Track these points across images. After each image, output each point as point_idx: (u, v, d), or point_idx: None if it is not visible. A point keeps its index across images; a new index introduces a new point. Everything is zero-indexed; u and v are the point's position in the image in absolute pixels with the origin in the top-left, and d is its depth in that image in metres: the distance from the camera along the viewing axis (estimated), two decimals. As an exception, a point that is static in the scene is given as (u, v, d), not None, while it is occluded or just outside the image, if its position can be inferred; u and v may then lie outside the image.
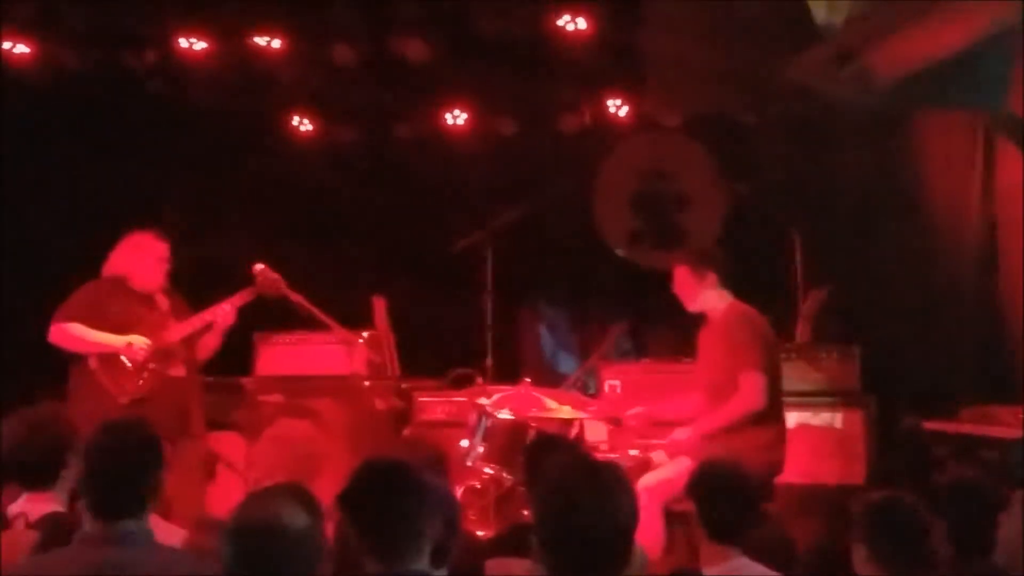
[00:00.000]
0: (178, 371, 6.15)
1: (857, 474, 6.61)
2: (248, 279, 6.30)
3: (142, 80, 8.12)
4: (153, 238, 6.18)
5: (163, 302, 6.22)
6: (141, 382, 6.00)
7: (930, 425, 6.35)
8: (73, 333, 5.98)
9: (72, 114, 8.08)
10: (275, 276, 6.29)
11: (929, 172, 7.44)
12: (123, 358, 5.99)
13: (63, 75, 7.90)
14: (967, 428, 6.18)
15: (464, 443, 6.02)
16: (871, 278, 7.60)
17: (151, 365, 6.03)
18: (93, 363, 6.00)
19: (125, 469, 3.13)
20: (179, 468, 5.85)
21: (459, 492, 5.80)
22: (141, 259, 6.15)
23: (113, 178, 8.09)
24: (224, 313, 6.18)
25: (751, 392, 5.59)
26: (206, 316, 6.18)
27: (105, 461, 3.15)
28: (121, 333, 6.01)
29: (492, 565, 3.95)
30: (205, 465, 6.49)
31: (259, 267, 6.29)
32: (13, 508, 3.82)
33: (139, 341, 6.01)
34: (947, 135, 7.25)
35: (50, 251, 7.88)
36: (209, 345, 6.29)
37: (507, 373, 7.08)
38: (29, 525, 3.73)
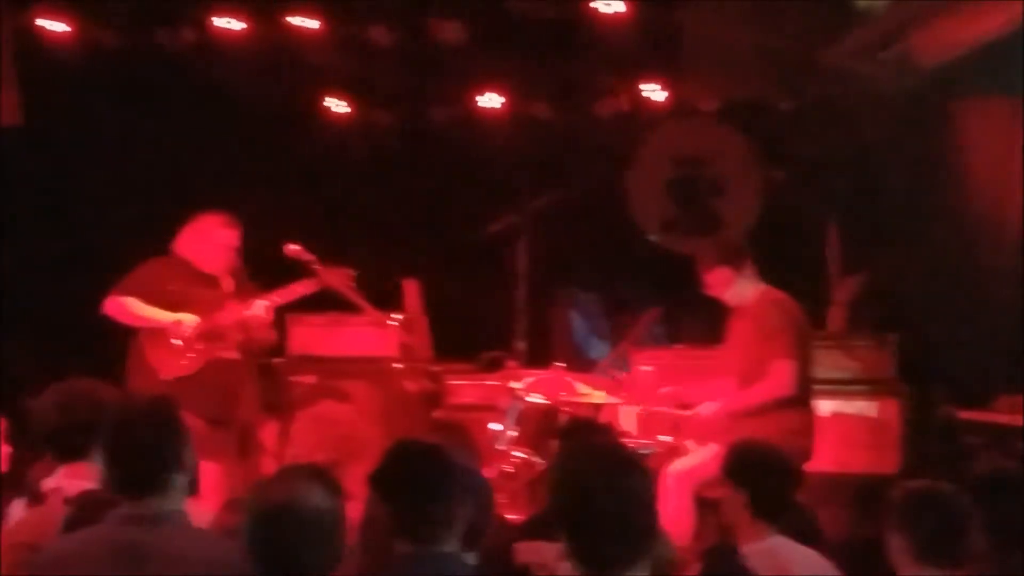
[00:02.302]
0: (230, 353, 6.12)
1: (890, 463, 6.56)
2: (282, 261, 6.30)
3: (178, 60, 8.13)
4: (221, 223, 6.17)
5: (228, 283, 6.20)
6: (186, 361, 6.00)
7: (965, 414, 6.30)
8: (125, 306, 6.01)
9: (108, 93, 8.12)
10: (341, 271, 6.22)
11: (969, 159, 7.36)
12: (171, 335, 6.00)
13: (100, 54, 7.93)
14: (1002, 418, 6.13)
15: (495, 426, 6.03)
16: (908, 266, 7.53)
17: (200, 345, 6.02)
18: (143, 338, 6.04)
19: (144, 446, 3.12)
20: (220, 450, 5.89)
21: (490, 475, 5.80)
22: (207, 242, 6.14)
23: (147, 158, 8.13)
24: (262, 308, 6.10)
25: (781, 379, 5.57)
26: (263, 301, 6.12)
27: (122, 437, 3.14)
28: (175, 310, 6.02)
29: (522, 548, 3.95)
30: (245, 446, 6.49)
31: (293, 248, 6.28)
32: (48, 483, 3.84)
33: (188, 319, 6.00)
34: (987, 121, 7.16)
35: (83, 228, 7.94)
36: (260, 337, 6.25)
37: (539, 357, 7.07)
38: (65, 500, 3.75)
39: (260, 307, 6.13)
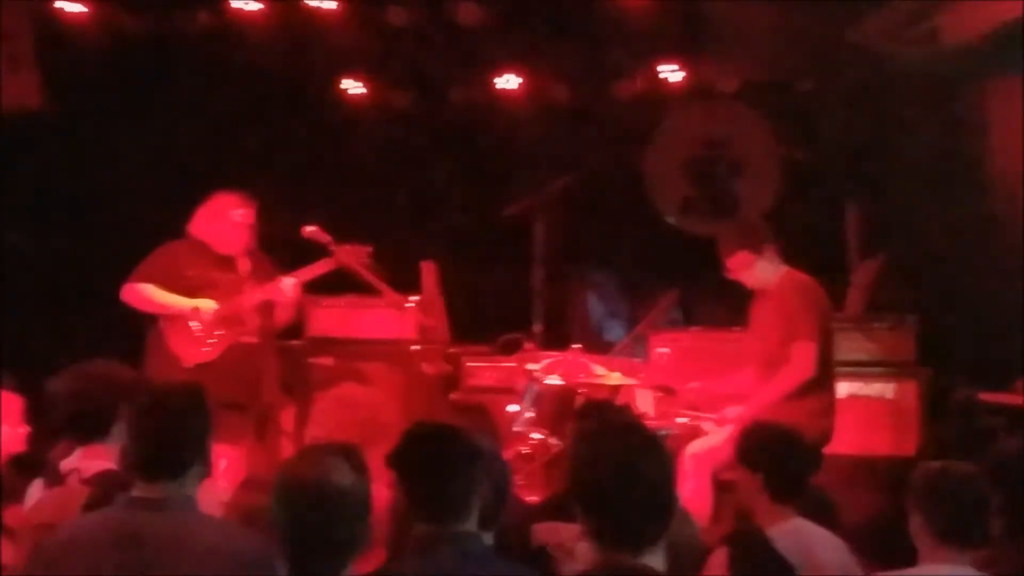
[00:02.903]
0: (250, 337, 6.11)
1: (909, 446, 6.54)
2: (299, 243, 6.30)
3: (196, 41, 8.13)
4: (236, 201, 6.13)
5: (245, 265, 6.16)
6: (207, 348, 5.99)
7: (984, 396, 6.27)
8: (143, 294, 5.99)
9: (127, 75, 8.13)
10: (357, 248, 6.21)
11: (992, 140, 7.30)
12: (193, 322, 5.98)
13: (119, 36, 7.94)
14: (1022, 400, 6.10)
15: (513, 408, 6.03)
16: (928, 248, 7.49)
17: (219, 330, 6.01)
18: (163, 325, 6.03)
19: (170, 430, 3.13)
20: (240, 434, 5.91)
21: (507, 457, 5.80)
22: (222, 221, 6.10)
23: (165, 140, 8.14)
24: (290, 287, 6.08)
25: (802, 362, 5.54)
26: (279, 284, 6.09)
27: (152, 419, 3.15)
28: (194, 295, 6.00)
29: (540, 529, 3.96)
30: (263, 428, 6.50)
31: (310, 229, 6.27)
32: (67, 463, 3.86)
33: (206, 305, 5.98)
34: (1012, 101, 7.10)
35: (108, 212, 7.97)
36: (282, 318, 6.26)
37: (556, 339, 7.07)
38: (83, 481, 3.76)
39: (288, 286, 6.10)
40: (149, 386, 3.46)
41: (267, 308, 6.15)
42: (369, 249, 6.26)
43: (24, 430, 4.94)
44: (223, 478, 4.70)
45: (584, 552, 3.87)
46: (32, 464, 4.57)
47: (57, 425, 3.99)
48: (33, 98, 7.79)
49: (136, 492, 3.10)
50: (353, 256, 6.20)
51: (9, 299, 7.49)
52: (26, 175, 7.87)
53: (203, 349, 5.98)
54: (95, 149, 8.02)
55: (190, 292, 6.02)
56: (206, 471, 3.22)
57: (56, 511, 3.56)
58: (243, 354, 6.08)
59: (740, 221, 5.83)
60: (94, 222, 7.98)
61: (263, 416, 6.26)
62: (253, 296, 6.10)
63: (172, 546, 2.99)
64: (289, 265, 6.27)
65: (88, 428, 3.80)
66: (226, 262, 6.13)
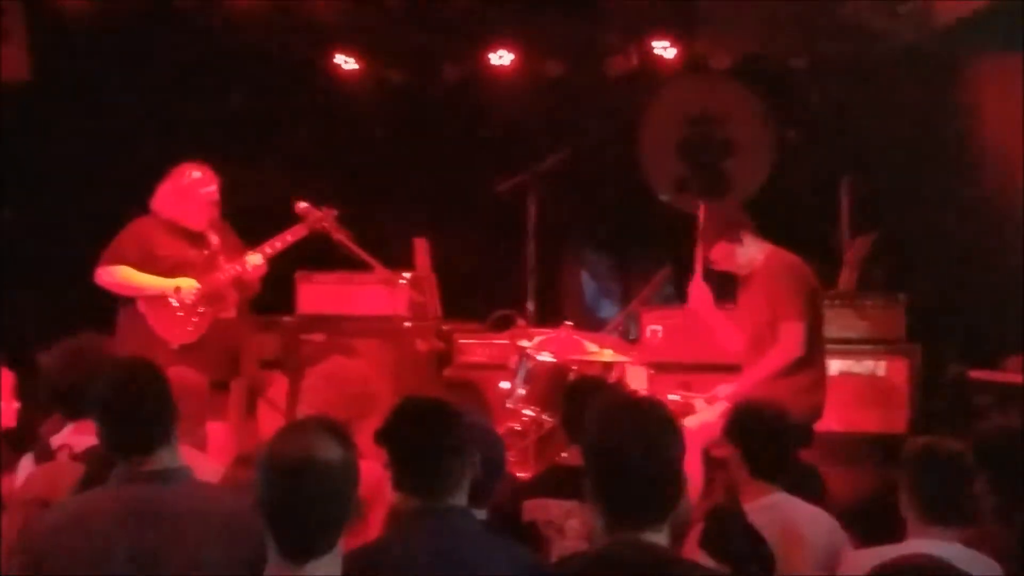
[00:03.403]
0: (228, 313, 6.07)
1: (900, 423, 6.56)
2: (292, 218, 6.26)
3: (186, 16, 8.09)
4: (199, 172, 6.01)
5: (214, 240, 6.08)
6: (191, 327, 5.94)
7: (975, 374, 6.28)
8: (119, 277, 5.89)
9: (116, 50, 8.08)
10: (324, 212, 6.17)
11: (982, 118, 7.30)
12: (173, 302, 5.93)
13: (108, 10, 7.89)
14: (1012, 378, 6.11)
15: (505, 385, 6.03)
16: (919, 225, 7.50)
17: (201, 308, 5.96)
18: (142, 307, 5.93)
19: (147, 401, 3.10)
20: (228, 408, 5.89)
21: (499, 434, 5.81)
22: (188, 195, 5.98)
23: (155, 115, 8.10)
24: (257, 261, 6.04)
25: (790, 342, 5.57)
26: (257, 253, 6.06)
27: (123, 397, 3.11)
28: (170, 275, 5.92)
29: (529, 506, 3.96)
30: (248, 403, 6.51)
31: (303, 205, 6.24)
32: (57, 439, 3.85)
33: (188, 284, 5.91)
34: (1003, 77, 7.10)
35: (97, 186, 7.93)
36: (249, 292, 6.19)
37: (548, 317, 7.07)
38: (73, 456, 3.75)
39: (257, 259, 6.06)
40: (116, 362, 3.42)
41: (242, 281, 6.09)
42: (335, 212, 6.20)
43: (14, 405, 4.94)
44: (213, 455, 4.69)
45: (574, 529, 3.90)
46: (21, 439, 4.57)
47: (47, 400, 3.98)
48: (20, 70, 7.74)
49: (134, 467, 3.06)
50: (323, 221, 6.14)
51: (-2, 275, 7.48)
52: (15, 148, 7.83)
53: (187, 329, 5.92)
54: (82, 123, 7.96)
55: (164, 272, 5.92)
56: (175, 439, 3.17)
57: (47, 487, 3.55)
58: (225, 330, 6.03)
59: (714, 212, 5.80)
60: (83, 196, 7.93)
61: (249, 391, 6.25)
62: (229, 271, 6.03)
63: (187, 517, 2.98)
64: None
65: (75, 403, 3.78)
66: (196, 238, 6.03)
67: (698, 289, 5.92)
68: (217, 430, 5.75)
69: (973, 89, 7.38)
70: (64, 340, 4.00)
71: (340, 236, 6.25)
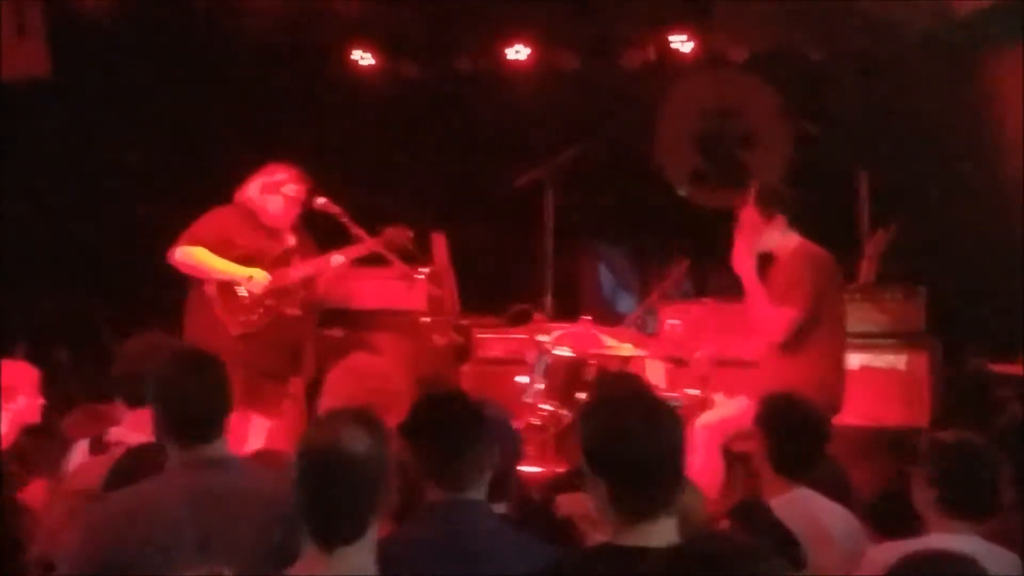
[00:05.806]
0: (294, 310, 6.15)
1: (921, 417, 6.53)
2: (310, 212, 6.30)
3: (204, 11, 8.11)
4: (290, 176, 6.16)
5: (290, 239, 6.21)
6: (255, 317, 6.02)
7: (995, 367, 6.25)
8: (195, 258, 6.00)
9: (135, 45, 8.10)
10: (402, 231, 6.35)
11: (1001, 110, 7.27)
12: (241, 290, 6.01)
13: (131, 9, 7.92)
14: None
15: (523, 380, 6.03)
16: (939, 218, 7.47)
17: (268, 301, 6.04)
18: (211, 290, 6.03)
19: (205, 391, 3.19)
20: (275, 405, 5.95)
21: (518, 428, 5.81)
22: (275, 195, 6.13)
23: (173, 110, 8.13)
24: (340, 263, 6.20)
25: (775, 325, 5.51)
26: (328, 260, 6.20)
27: (184, 386, 3.19)
28: (244, 265, 6.02)
29: (564, 500, 3.95)
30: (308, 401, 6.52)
31: (321, 200, 6.28)
32: (114, 432, 3.88)
33: (260, 275, 6.01)
34: (1021, 71, 7.06)
35: (111, 180, 7.96)
36: (319, 292, 6.32)
37: (566, 311, 7.06)
38: (128, 451, 3.77)
39: (340, 259, 6.21)
40: (181, 351, 3.50)
41: (310, 282, 6.23)
42: (411, 233, 6.37)
43: (40, 401, 4.96)
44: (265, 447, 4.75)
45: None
46: (46, 434, 4.59)
47: (109, 382, 4.01)
48: (41, 66, 7.77)
49: (192, 455, 3.12)
50: (396, 238, 6.34)
51: (17, 271, 7.50)
52: (35, 143, 7.86)
53: (251, 318, 6.01)
54: (101, 118, 8.00)
55: (239, 261, 6.04)
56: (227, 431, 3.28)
57: (96, 479, 3.57)
58: (287, 326, 6.13)
59: (764, 184, 5.76)
60: (103, 192, 7.97)
61: (308, 388, 6.29)
62: (302, 269, 6.16)
63: (250, 500, 3.06)
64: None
65: (137, 391, 3.78)
66: (274, 234, 6.17)
67: (742, 248, 5.74)
68: (267, 423, 5.83)
69: (992, 81, 7.34)
70: (136, 335, 4.06)
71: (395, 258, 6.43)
